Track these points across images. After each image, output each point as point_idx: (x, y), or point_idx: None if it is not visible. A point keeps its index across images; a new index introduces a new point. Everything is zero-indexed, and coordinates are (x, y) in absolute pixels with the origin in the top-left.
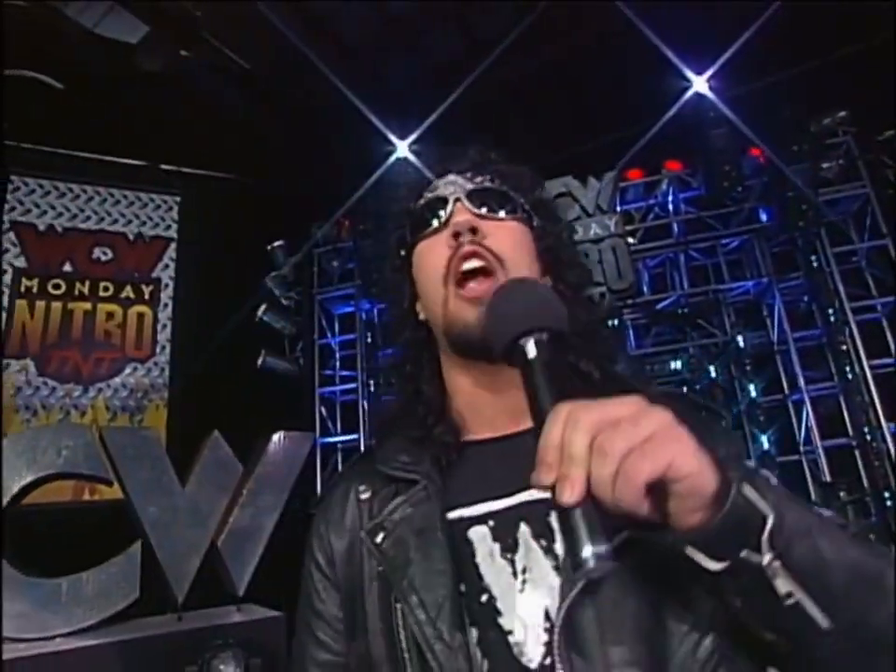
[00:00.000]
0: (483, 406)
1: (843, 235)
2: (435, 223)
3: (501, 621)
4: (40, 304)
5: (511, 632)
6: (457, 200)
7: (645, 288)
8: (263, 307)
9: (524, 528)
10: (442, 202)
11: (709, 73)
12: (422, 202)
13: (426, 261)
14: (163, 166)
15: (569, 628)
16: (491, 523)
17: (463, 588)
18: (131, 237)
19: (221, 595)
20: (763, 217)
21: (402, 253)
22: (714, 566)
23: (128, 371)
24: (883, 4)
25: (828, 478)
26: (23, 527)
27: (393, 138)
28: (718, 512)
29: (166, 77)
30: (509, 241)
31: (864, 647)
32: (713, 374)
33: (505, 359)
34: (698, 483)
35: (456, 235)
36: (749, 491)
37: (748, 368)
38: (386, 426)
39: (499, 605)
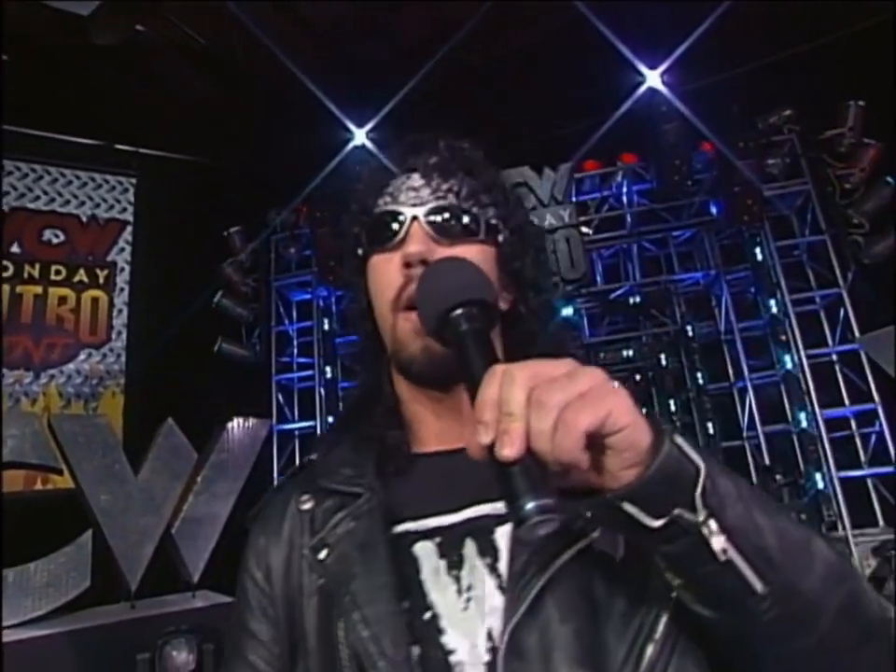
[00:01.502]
0: (430, 420)
1: (786, 230)
2: (390, 238)
3: (444, 639)
4: None
5: (453, 651)
6: (414, 218)
7: (599, 278)
8: (220, 293)
9: (469, 545)
10: (399, 217)
11: (663, 68)
12: (379, 208)
13: (378, 280)
14: (119, 146)
15: (513, 649)
16: (438, 539)
17: (407, 604)
18: (84, 219)
19: (180, 582)
20: (713, 210)
21: (360, 253)
22: (653, 522)
23: (82, 356)
24: (829, 5)
25: (767, 462)
26: None
27: (351, 126)
28: (652, 464)
29: (121, 53)
30: None
31: (795, 616)
32: (664, 363)
33: (437, 334)
34: (635, 435)
35: (408, 265)
36: (681, 441)
37: (696, 356)
38: (345, 417)
39: (443, 623)
